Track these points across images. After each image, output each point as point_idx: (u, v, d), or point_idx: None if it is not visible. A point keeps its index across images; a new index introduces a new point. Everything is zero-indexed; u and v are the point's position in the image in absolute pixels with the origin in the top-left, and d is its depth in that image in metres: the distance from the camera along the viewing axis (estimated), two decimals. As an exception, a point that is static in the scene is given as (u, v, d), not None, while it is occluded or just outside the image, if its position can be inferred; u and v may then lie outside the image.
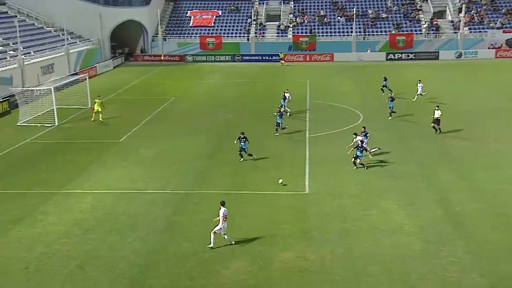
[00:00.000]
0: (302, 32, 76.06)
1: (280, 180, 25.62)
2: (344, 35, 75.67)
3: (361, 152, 29.06)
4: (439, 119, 34.97)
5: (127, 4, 74.56)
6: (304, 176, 28.26)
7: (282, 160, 30.79)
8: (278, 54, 71.32)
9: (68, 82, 47.80)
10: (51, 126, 38.77)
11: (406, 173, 28.30)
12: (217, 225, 20.26)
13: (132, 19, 73.61)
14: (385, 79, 48.24)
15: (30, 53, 55.12)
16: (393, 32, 74.81)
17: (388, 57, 72.34)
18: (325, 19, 78.22)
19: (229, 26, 78.33)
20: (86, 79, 47.42)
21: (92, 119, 40.26)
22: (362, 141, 29.51)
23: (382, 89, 47.61)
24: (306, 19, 78.39)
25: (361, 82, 55.85)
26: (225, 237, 20.46)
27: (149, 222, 22.78)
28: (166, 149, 33.24)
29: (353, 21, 75.07)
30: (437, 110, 35.15)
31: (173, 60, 73.27)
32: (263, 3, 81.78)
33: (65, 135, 36.97)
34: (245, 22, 78.58)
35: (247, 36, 76.00)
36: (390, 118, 39.43)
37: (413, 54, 72.33)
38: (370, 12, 78.34)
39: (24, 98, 41.88)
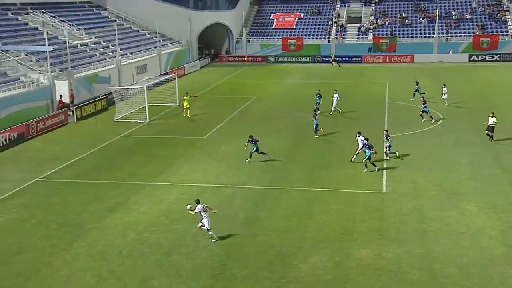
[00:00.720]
0: (382, 34, 74.44)
1: (188, 206, 21.67)
2: (425, 37, 73.32)
3: (369, 149, 27.94)
4: (493, 126, 32.70)
5: (215, 8, 75.87)
6: (382, 175, 27.65)
7: (361, 159, 30.22)
8: (330, 56, 70.92)
9: (159, 81, 49.21)
10: (143, 122, 40.09)
11: (488, 176, 27.03)
12: (199, 222, 20.45)
13: (218, 22, 74.80)
14: (417, 83, 46.45)
15: (126, 54, 57.29)
16: (477, 33, 71.61)
17: (471, 59, 69.37)
18: (407, 20, 76.09)
19: (311, 28, 77.93)
20: (175, 78, 48.69)
21: (184, 115, 41.39)
22: (367, 139, 28.53)
23: (414, 93, 45.60)
24: (387, 21, 76.62)
25: (442, 83, 53.80)
26: (211, 233, 20.40)
27: (230, 215, 23.05)
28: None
29: (435, 23, 72.64)
30: (492, 117, 32.85)
31: (256, 61, 73.80)
32: (345, 6, 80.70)
33: (155, 131, 38.12)
34: (326, 24, 77.87)
35: (328, 37, 75.30)
36: (423, 120, 37.73)
37: (497, 56, 68.99)
38: (453, 13, 75.42)
39: (120, 96, 43.50)
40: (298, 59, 73.00)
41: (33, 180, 27.87)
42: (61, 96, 42.86)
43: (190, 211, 20.64)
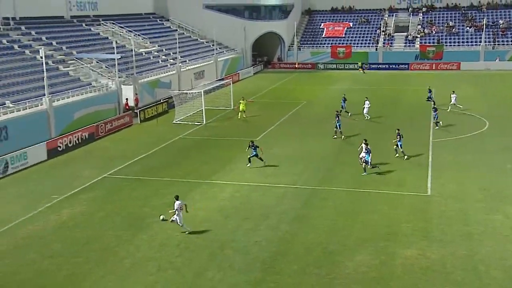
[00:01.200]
0: (429, 42, 72.64)
1: (162, 217, 21.91)
2: (472, 45, 71.05)
3: (368, 154, 27.31)
4: None
5: (268, 18, 75.96)
6: (427, 178, 26.94)
7: (405, 163, 29.60)
8: (357, 63, 70.22)
9: (215, 86, 49.66)
10: (199, 125, 40.55)
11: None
12: (173, 215, 20.81)
13: (271, 31, 74.85)
14: (430, 91, 44.80)
15: (186, 61, 58.15)
16: (523, 41, 68.89)
17: (518, 66, 66.77)
18: (454, 29, 73.95)
19: (359, 36, 76.91)
20: (230, 84, 49.04)
21: (239, 117, 41.69)
22: (366, 143, 27.61)
23: (427, 100, 44.01)
24: (434, 29, 74.69)
25: (488, 90, 52.13)
26: (183, 226, 20.80)
27: (280, 213, 23.00)
28: (297, 148, 33.39)
29: (482, 31, 70.31)
30: None
31: (306, 68, 73.43)
32: (393, 15, 79.26)
33: (211, 133, 38.47)
34: (374, 33, 76.68)
35: (376, 46, 74.17)
36: (437, 128, 36.44)
37: (544, 63, 66.11)
38: (501, 22, 72.74)
39: (179, 100, 44.13)
40: (346, 66, 72.20)
41: (101, 176, 28.66)
42: (127, 99, 43.93)
43: (170, 211, 21.20)
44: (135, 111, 43.16)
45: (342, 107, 41.69)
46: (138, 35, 57.42)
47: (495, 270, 17.58)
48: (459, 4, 77.94)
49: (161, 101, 46.03)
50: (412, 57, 71.11)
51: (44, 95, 35.73)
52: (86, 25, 54.60)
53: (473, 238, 20.07)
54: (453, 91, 43.35)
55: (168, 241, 20.45)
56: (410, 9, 79.61)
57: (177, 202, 20.95)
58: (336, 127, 34.97)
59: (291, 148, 33.53)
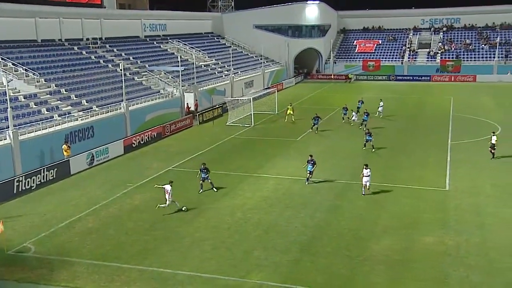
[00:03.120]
0: (448, 57, 70.34)
1: (184, 207, 21.93)
2: (486, 60, 68.36)
3: (311, 172, 24.97)
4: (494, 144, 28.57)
5: (308, 36, 75.27)
6: (445, 175, 26.15)
7: (426, 162, 28.84)
8: (348, 75, 68.87)
9: (262, 94, 49.70)
10: (248, 126, 40.66)
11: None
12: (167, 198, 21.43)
13: (311, 47, 74.24)
14: (361, 102, 43.26)
15: (238, 72, 58.47)
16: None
17: (528, 79, 63.72)
18: (470, 46, 71.32)
19: (387, 52, 75.24)
20: (275, 92, 48.94)
21: (286, 120, 41.61)
22: (312, 163, 24.85)
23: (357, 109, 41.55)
24: (453, 46, 72.25)
25: (501, 100, 50.01)
26: (176, 204, 21.54)
27: (316, 203, 22.83)
28: (331, 147, 33.05)
29: (496, 48, 67.52)
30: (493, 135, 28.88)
31: (340, 79, 72.43)
32: (417, 34, 77.13)
33: (258, 133, 38.50)
34: (400, 49, 74.85)
35: (401, 60, 72.37)
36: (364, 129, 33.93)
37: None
38: (512, 40, 69.74)
39: (232, 105, 44.41)
40: (375, 77, 70.76)
41: (166, 168, 29.17)
42: (187, 104, 44.58)
43: (159, 185, 22.11)
44: (195, 114, 43.76)
45: (358, 108, 41.40)
46: (199, 50, 58.17)
47: (506, 256, 16.95)
48: (476, 24, 75.27)
49: (217, 106, 46.44)
50: (433, 70, 69.15)
51: (122, 100, 36.71)
52: (156, 43, 55.77)
53: (485, 228, 19.39)
54: (381, 99, 43.24)
55: (221, 224, 20.63)
56: (432, 28, 77.38)
57: (166, 187, 21.54)
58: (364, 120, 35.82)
59: (326, 146, 33.21)
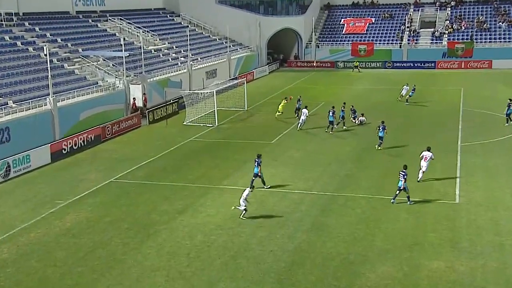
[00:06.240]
0: (458, 39, 72.07)
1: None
2: (505, 42, 70.30)
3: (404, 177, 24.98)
4: None
5: (285, 13, 76.04)
6: (455, 185, 26.73)
7: (432, 168, 29.26)
8: (355, 63, 70.25)
9: (228, 86, 49.77)
10: (211, 126, 40.66)
11: None
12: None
13: (288, 27, 74.86)
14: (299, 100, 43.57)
15: (197, 59, 58.41)
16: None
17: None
18: (485, 25, 73.25)
19: (382, 33, 76.60)
20: (244, 83, 49.14)
21: (276, 116, 42.56)
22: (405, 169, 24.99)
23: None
24: (463, 25, 74.04)
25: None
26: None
27: (296, 220, 22.96)
28: (314, 151, 33.36)
29: (515, 27, 69.69)
30: None
31: (325, 66, 73.27)
32: (418, 10, 78.82)
33: (224, 135, 38.57)
34: (398, 29, 76.31)
35: (400, 43, 73.77)
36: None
37: None
38: (536, 17, 72.06)
39: (190, 100, 44.27)
40: (368, 64, 71.89)
41: (107, 180, 28.86)
42: (134, 99, 44.21)
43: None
44: (144, 112, 43.42)
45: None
46: (147, 31, 57.85)
47: (529, 284, 17.40)
48: (491, -3, 77.29)
49: (171, 101, 46.26)
50: (439, 55, 70.66)
51: (48, 94, 36.14)
52: (92, 21, 55.16)
53: (505, 250, 19.85)
54: (407, 84, 48.51)
55: (177, 249, 20.52)
56: (437, 3, 79.08)
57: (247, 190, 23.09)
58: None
59: (308, 151, 33.47)
